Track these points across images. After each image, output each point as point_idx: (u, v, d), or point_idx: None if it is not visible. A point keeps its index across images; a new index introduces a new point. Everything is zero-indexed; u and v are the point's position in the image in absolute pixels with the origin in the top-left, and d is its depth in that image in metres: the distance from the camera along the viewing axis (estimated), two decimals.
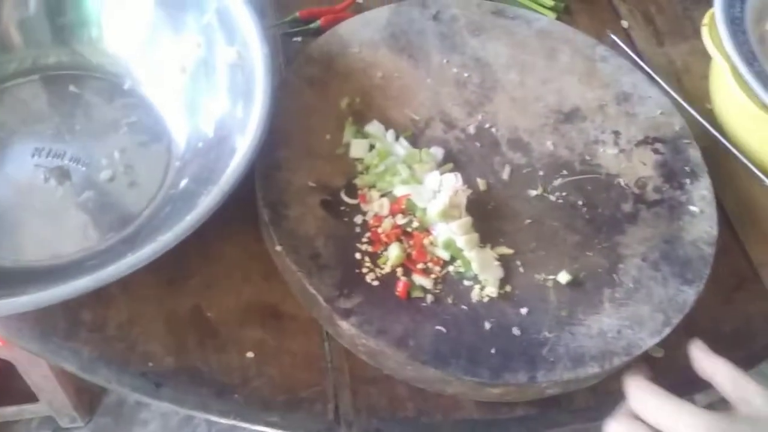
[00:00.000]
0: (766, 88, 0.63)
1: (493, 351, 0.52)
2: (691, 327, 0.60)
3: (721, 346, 0.60)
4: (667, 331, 0.54)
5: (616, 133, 0.65)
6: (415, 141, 0.62)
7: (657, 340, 0.53)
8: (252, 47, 0.58)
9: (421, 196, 0.56)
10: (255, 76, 0.56)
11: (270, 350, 0.56)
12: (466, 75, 0.67)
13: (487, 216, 0.59)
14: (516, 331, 0.53)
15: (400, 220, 0.56)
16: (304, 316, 0.57)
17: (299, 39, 0.73)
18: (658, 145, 0.65)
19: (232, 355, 0.55)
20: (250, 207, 0.58)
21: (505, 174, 0.61)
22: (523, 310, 0.54)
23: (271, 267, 0.58)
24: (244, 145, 0.53)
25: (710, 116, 0.72)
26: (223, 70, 0.61)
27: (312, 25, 0.73)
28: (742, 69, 0.64)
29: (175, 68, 0.64)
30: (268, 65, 0.56)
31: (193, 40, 0.63)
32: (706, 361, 0.49)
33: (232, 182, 0.52)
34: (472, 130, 0.63)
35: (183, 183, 0.60)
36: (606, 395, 0.56)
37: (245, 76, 0.57)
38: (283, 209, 0.56)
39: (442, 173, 0.58)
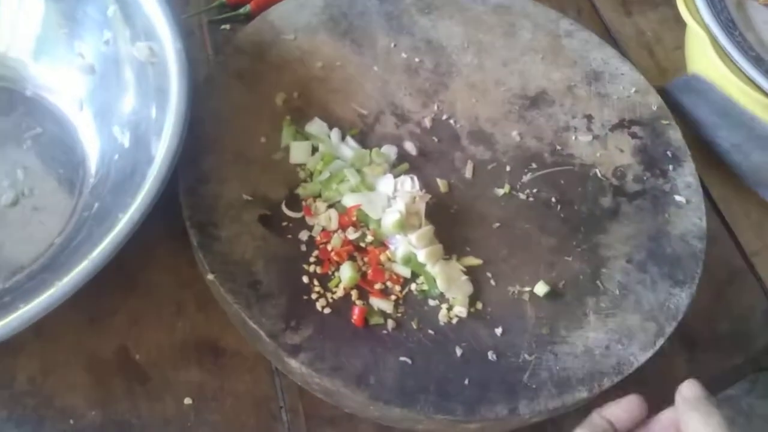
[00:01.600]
0: (747, 58, 0.57)
1: (466, 382, 0.45)
2: (683, 331, 0.54)
3: (718, 351, 0.55)
4: (661, 341, 0.48)
5: (589, 118, 0.58)
6: (364, 140, 0.54)
7: (650, 353, 0.47)
8: (164, 42, 0.49)
9: (373, 205, 0.49)
10: (169, 74, 0.48)
11: (211, 394, 0.49)
12: (417, 60, 0.59)
13: (450, 222, 0.51)
14: (491, 355, 0.46)
15: (352, 234, 0.49)
16: (248, 351, 0.50)
17: (227, 27, 0.64)
18: (636, 128, 0.58)
19: (167, 402, 0.48)
20: (179, 225, 0.50)
21: (468, 172, 0.54)
22: (498, 330, 0.47)
23: (207, 295, 0.51)
24: (160, 152, 0.45)
25: None
26: (134, 69, 0.52)
27: (241, 11, 0.65)
28: (721, 38, 0.58)
29: (83, 69, 0.55)
30: (183, 61, 0.48)
31: (99, 36, 0.54)
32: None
33: (151, 197, 0.44)
34: (427, 123, 0.56)
35: (98, 204, 0.52)
36: None
37: (158, 75, 0.49)
38: (213, 229, 0.48)
39: (396, 176, 0.51)
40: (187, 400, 0.48)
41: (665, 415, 0.40)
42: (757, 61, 0.56)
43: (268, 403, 0.49)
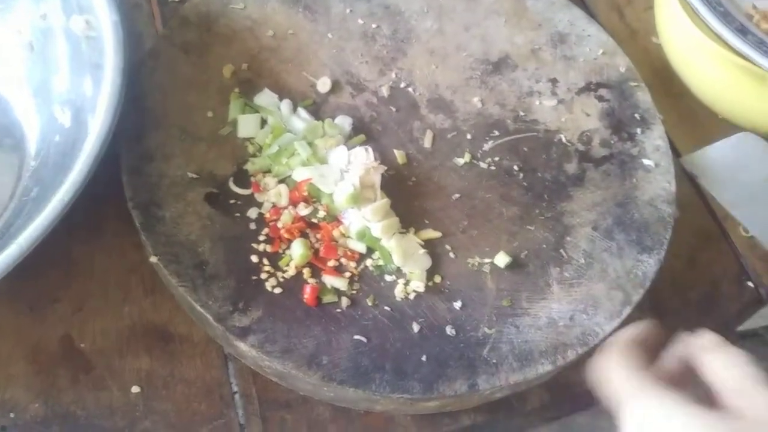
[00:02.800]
0: (720, 19, 0.55)
1: (423, 358, 0.43)
2: (653, 299, 0.52)
3: (688, 317, 0.53)
4: (628, 310, 0.46)
5: (554, 81, 0.56)
6: (317, 111, 0.52)
7: (617, 323, 0.45)
8: (101, 14, 0.46)
9: (325, 179, 0.47)
10: (105, 48, 0.45)
11: (160, 381, 0.46)
12: (374, 26, 0.56)
13: (408, 194, 0.49)
14: (450, 330, 0.44)
15: (303, 210, 0.46)
16: (199, 335, 0.48)
17: None
18: (603, 91, 0.56)
19: (113, 392, 0.46)
20: (124, 206, 0.47)
21: (427, 141, 0.52)
22: (457, 304, 0.45)
23: (154, 278, 0.49)
24: (94, 129, 0.43)
25: (659, 52, 0.64)
26: (70, 44, 0.49)
27: None
28: None
29: (20, 46, 0.52)
30: (119, 34, 0.45)
31: (35, 11, 0.51)
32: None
33: (83, 176, 0.42)
34: (385, 91, 0.53)
35: (37, 188, 0.49)
36: (564, 389, 0.49)
37: (94, 49, 0.47)
38: (156, 210, 0.46)
39: (350, 148, 0.49)
40: (135, 389, 0.46)
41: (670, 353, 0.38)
42: (725, 17, 0.54)
43: (220, 388, 0.47)
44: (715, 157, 0.57)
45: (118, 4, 0.47)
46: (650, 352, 0.37)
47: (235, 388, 0.47)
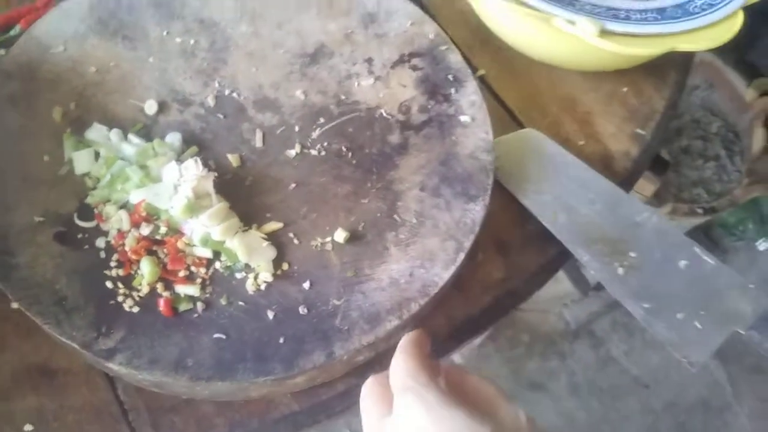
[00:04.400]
0: None
1: (281, 340, 0.47)
2: (495, 240, 0.57)
3: (531, 249, 0.58)
4: (462, 256, 0.51)
5: (369, 61, 0.60)
6: (148, 133, 0.55)
7: (453, 269, 0.50)
8: None
9: (160, 196, 0.50)
10: None
11: (51, 415, 0.49)
12: (192, 42, 0.59)
13: (247, 194, 0.53)
14: (302, 309, 0.48)
15: (145, 229, 0.49)
16: (79, 365, 0.51)
17: (2, 52, 0.63)
18: (416, 61, 0.60)
19: None
20: None
21: (258, 141, 0.55)
22: (306, 285, 0.49)
23: (28, 322, 0.51)
24: None
25: (473, 13, 0.68)
26: None
27: (12, 33, 0.63)
28: None
29: None
30: None
31: None
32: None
33: None
34: (210, 101, 0.56)
35: None
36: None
37: None
38: (9, 258, 0.48)
39: (183, 161, 0.52)
40: (28, 427, 0.49)
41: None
42: None
43: (109, 408, 0.50)
44: (504, 150, 0.59)
45: None
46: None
47: (123, 406, 0.50)
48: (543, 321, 1.56)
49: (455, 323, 0.54)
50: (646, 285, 0.53)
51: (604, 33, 0.57)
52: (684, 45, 0.58)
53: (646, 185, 1.25)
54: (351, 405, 0.51)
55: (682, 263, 0.54)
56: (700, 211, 1.34)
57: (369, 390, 0.42)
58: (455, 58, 0.60)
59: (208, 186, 0.50)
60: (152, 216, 0.50)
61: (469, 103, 0.58)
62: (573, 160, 0.59)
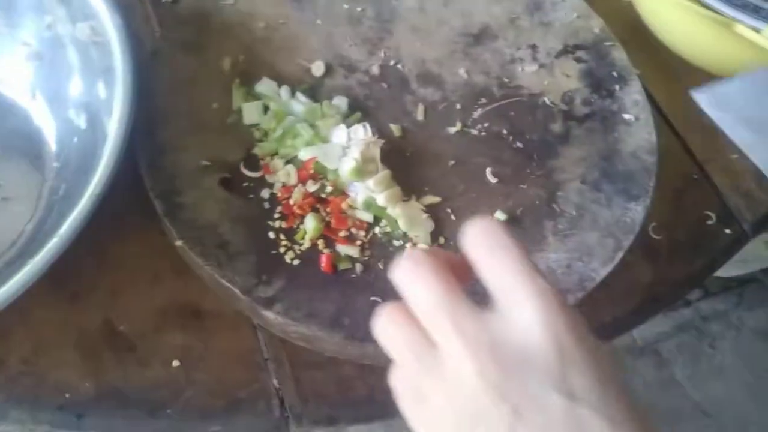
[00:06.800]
0: None
1: None
2: (646, 244, 0.56)
3: (680, 258, 0.57)
4: (620, 255, 0.50)
5: (533, 48, 0.59)
6: (314, 94, 0.55)
7: (610, 267, 0.49)
8: (104, 19, 0.50)
9: (329, 156, 0.50)
10: (113, 51, 0.49)
11: (197, 354, 0.50)
12: (359, 9, 0.60)
13: (406, 165, 0.53)
14: None
15: (312, 186, 0.50)
16: (227, 310, 0.52)
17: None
18: (580, 53, 0.59)
19: (155, 367, 0.49)
20: (145, 197, 0.51)
21: (420, 114, 0.55)
22: None
23: (180, 261, 0.52)
24: (113, 129, 0.46)
25: (630, 9, 0.67)
26: (78, 50, 0.52)
27: None
28: None
29: (30, 57, 0.55)
30: (124, 37, 0.48)
31: (40, 22, 0.54)
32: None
33: (108, 172, 0.45)
34: (375, 70, 0.57)
35: (64, 186, 0.53)
36: None
37: (103, 53, 0.50)
38: (176, 197, 0.49)
39: (349, 126, 0.52)
40: (175, 363, 0.50)
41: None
42: None
43: (252, 356, 0.51)
44: (732, 93, 0.57)
45: (120, 9, 0.50)
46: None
47: (267, 355, 0.51)
48: None
49: (600, 322, 0.54)
50: None
51: None
52: None
53: None
54: None
55: None
56: None
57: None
58: (620, 56, 0.59)
59: (375, 152, 0.51)
60: (319, 174, 0.51)
61: (633, 102, 0.57)
62: None
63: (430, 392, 0.30)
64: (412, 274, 0.32)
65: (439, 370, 0.30)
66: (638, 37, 0.67)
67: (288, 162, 0.51)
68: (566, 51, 0.59)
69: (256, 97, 0.54)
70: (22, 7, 0.53)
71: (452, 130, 0.55)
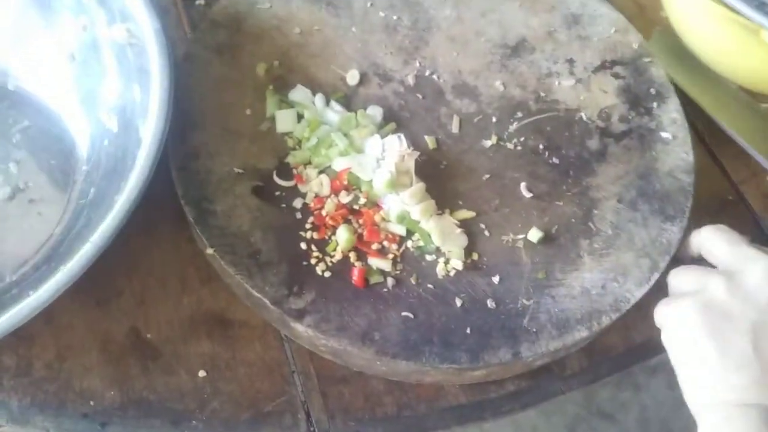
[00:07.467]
0: None
1: (468, 330, 0.46)
2: (679, 263, 0.55)
3: None
4: (656, 276, 0.49)
5: (571, 62, 0.58)
6: (348, 103, 0.55)
7: (646, 289, 0.48)
8: (141, 22, 0.49)
9: (363, 167, 0.50)
10: (149, 54, 0.48)
11: (224, 364, 0.50)
12: (395, 18, 0.59)
13: (440, 177, 0.52)
14: (491, 303, 0.47)
15: (345, 197, 0.49)
16: (255, 320, 0.51)
17: (202, 2, 0.64)
18: (618, 69, 0.58)
19: (181, 376, 0.49)
20: (175, 202, 0.50)
21: (455, 126, 0.54)
22: (495, 279, 0.48)
23: (209, 269, 0.52)
24: (148, 133, 0.46)
25: (667, 25, 0.66)
26: (114, 52, 0.52)
27: None
28: None
29: (63, 57, 0.55)
30: (161, 40, 0.48)
31: (75, 23, 0.54)
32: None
33: (144, 177, 0.45)
34: (411, 80, 0.56)
35: (93, 190, 0.52)
36: (601, 354, 0.52)
37: (138, 55, 0.49)
38: (208, 204, 0.49)
39: (383, 136, 0.52)
40: (201, 373, 0.49)
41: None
42: None
43: (280, 368, 0.50)
44: None
45: (157, 11, 0.50)
46: None
47: (294, 368, 0.50)
48: None
49: (632, 343, 0.53)
50: None
51: None
52: None
53: None
54: (518, 407, 0.50)
55: None
56: None
57: None
58: (658, 72, 0.58)
59: (411, 164, 0.50)
60: (353, 185, 0.50)
61: (671, 120, 0.56)
62: None
63: (730, 306, 0.42)
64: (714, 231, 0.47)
65: (739, 291, 0.42)
66: (675, 54, 0.66)
67: (321, 172, 0.51)
68: (604, 66, 0.58)
69: (290, 104, 0.53)
70: (61, 7, 0.53)
71: (488, 143, 0.54)
